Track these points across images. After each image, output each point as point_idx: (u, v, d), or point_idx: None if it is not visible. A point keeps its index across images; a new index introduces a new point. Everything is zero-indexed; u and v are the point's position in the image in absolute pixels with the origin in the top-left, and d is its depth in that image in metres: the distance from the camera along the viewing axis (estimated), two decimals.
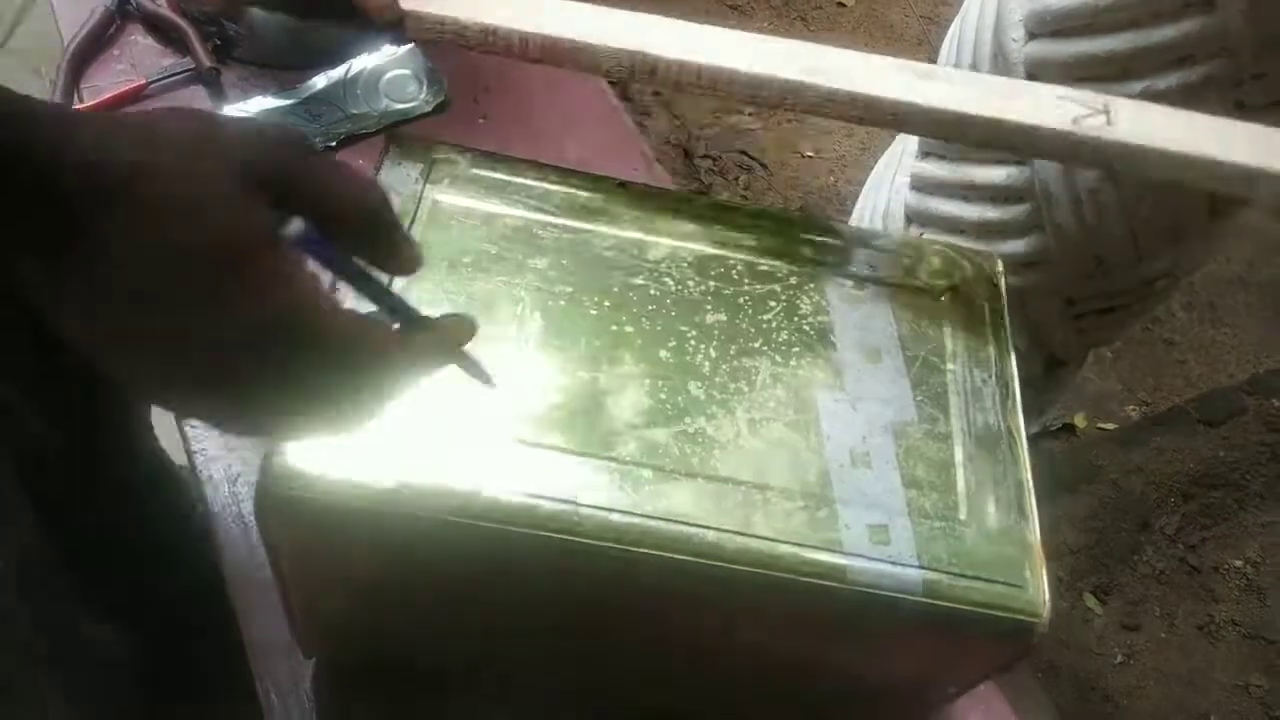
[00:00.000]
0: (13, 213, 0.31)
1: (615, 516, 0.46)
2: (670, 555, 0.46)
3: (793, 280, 0.57)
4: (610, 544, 0.46)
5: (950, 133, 0.54)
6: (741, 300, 0.56)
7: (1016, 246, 0.90)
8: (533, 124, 0.94)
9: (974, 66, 0.88)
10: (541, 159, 0.61)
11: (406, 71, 0.94)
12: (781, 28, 2.14)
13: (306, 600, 0.55)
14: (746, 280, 0.57)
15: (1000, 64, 0.84)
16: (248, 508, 0.68)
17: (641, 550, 0.46)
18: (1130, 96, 0.76)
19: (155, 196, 0.32)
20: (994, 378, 0.56)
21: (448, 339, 0.41)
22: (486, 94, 0.96)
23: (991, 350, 0.57)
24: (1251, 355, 1.87)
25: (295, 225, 0.34)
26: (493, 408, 0.49)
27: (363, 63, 0.94)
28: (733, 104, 2.00)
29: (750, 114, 1.99)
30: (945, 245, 0.62)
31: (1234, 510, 1.68)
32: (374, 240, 0.38)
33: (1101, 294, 0.94)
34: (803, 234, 0.60)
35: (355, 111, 0.91)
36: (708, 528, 0.47)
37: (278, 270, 0.34)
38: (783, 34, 2.07)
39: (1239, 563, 1.63)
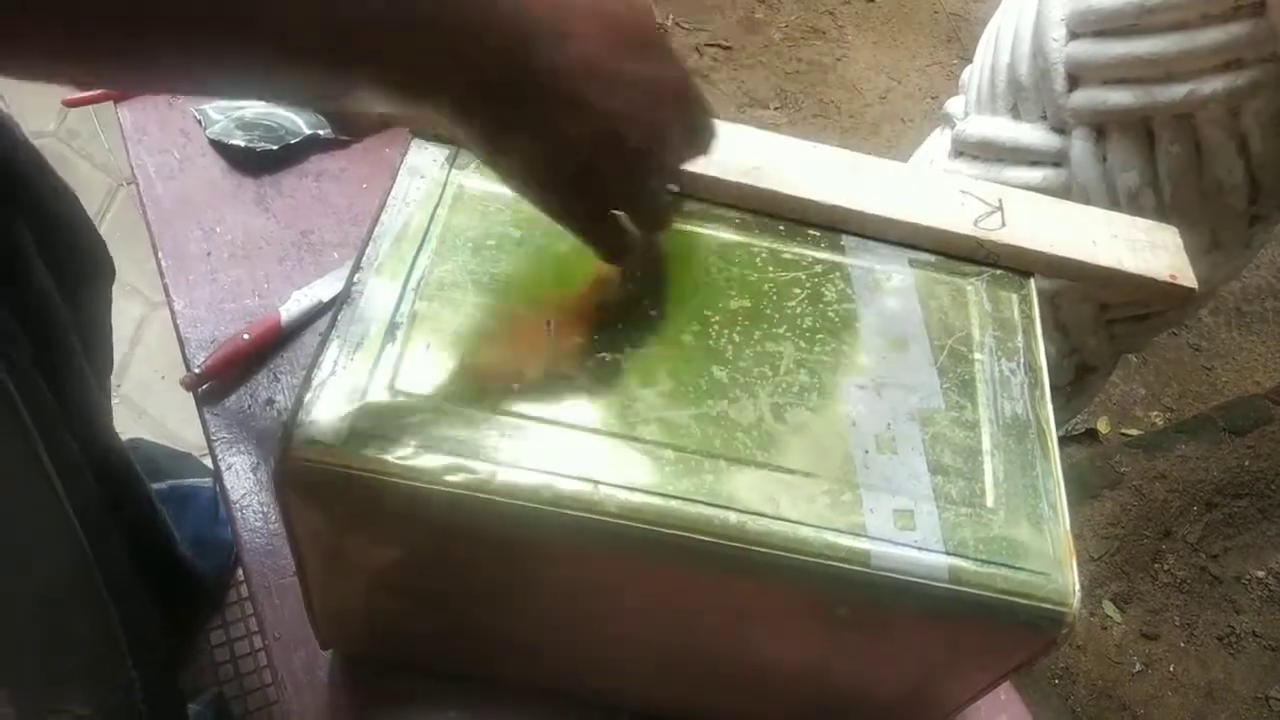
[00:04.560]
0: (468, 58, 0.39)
1: (636, 496, 0.46)
2: (691, 535, 0.46)
3: (817, 268, 0.57)
4: (630, 523, 0.45)
5: (877, 231, 0.59)
6: (765, 286, 0.56)
7: None
8: None
9: (1011, 66, 0.87)
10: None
11: None
12: (809, 21, 2.13)
13: (323, 584, 0.54)
14: (770, 267, 0.57)
15: (1039, 63, 0.82)
16: (268, 499, 0.68)
17: (662, 530, 0.45)
18: (1174, 100, 0.76)
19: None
20: (1023, 367, 0.55)
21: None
22: None
23: (1020, 340, 0.57)
24: (1278, 363, 1.85)
25: None
26: (515, 385, 0.49)
27: None
28: (759, 97, 1.98)
29: (776, 108, 1.97)
30: (974, 236, 0.61)
31: (1257, 520, 1.66)
32: None
33: (1136, 300, 0.92)
34: (826, 223, 0.59)
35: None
36: (730, 509, 0.46)
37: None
38: (809, 28, 2.03)
39: (1261, 573, 1.61)
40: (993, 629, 0.49)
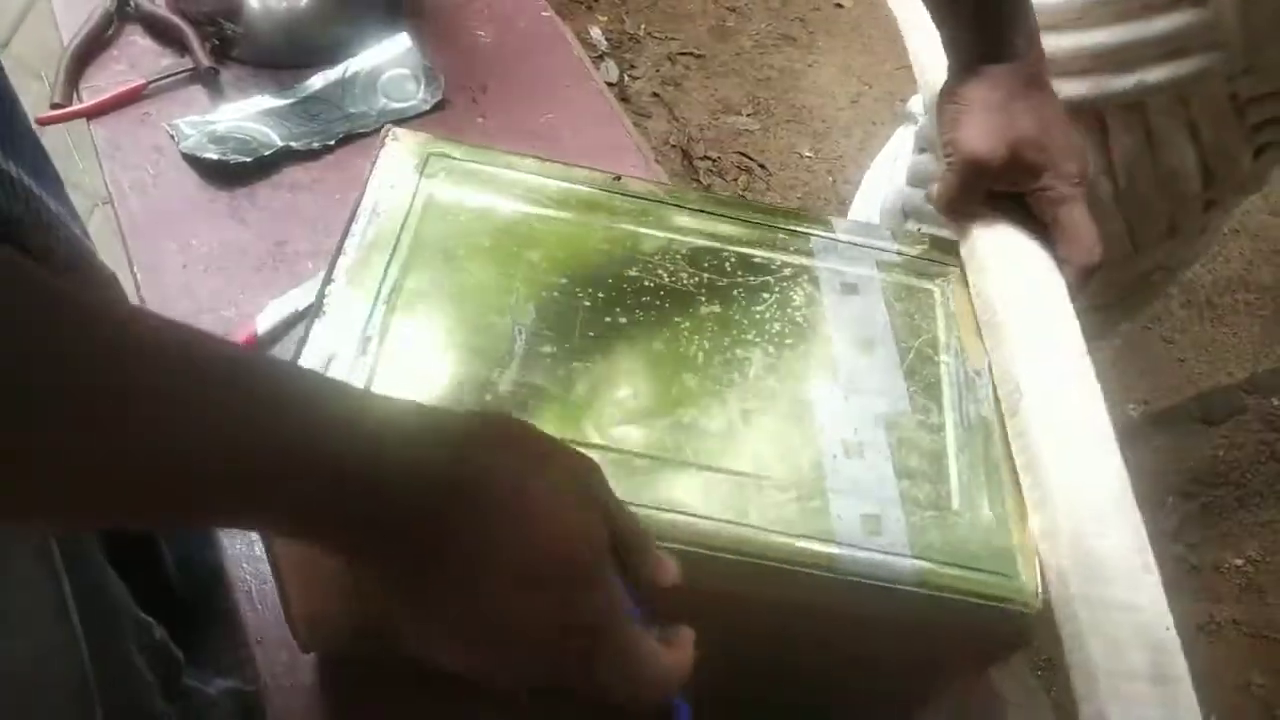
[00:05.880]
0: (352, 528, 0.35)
1: None
2: (664, 544, 0.46)
3: (786, 272, 0.58)
4: None
5: None
6: (735, 292, 0.56)
7: None
8: (531, 124, 0.95)
9: None
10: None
11: (404, 71, 0.94)
12: (779, 29, 2.15)
13: (301, 593, 0.55)
14: (740, 272, 0.57)
15: None
16: None
17: None
18: (1124, 90, 0.77)
19: (529, 504, 0.37)
20: (987, 369, 0.56)
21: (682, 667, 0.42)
22: (485, 94, 0.96)
23: (984, 342, 0.57)
24: (1250, 354, 1.87)
25: None
26: (487, 396, 0.49)
27: (360, 62, 0.94)
28: (732, 105, 2.00)
29: (749, 115, 1.99)
30: (939, 238, 0.62)
31: (1234, 509, 1.68)
32: (640, 565, 0.41)
33: (1098, 288, 0.94)
34: (796, 227, 0.60)
35: (353, 111, 0.91)
36: (701, 516, 0.47)
37: (610, 583, 0.39)
38: (780, 35, 2.04)
39: (1239, 561, 1.63)
40: (959, 630, 0.50)
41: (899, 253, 0.60)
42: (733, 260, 0.58)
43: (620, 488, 0.47)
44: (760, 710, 0.62)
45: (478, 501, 0.36)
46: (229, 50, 0.93)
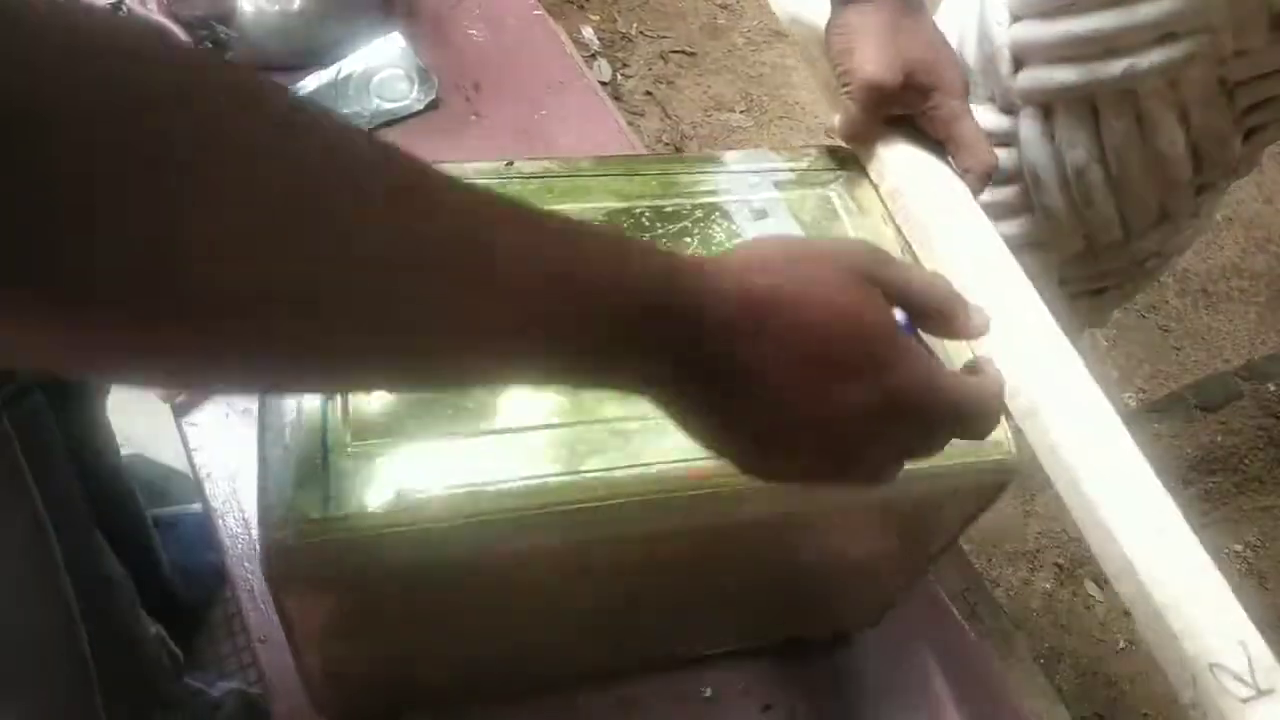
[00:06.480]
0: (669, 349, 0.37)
1: (618, 473, 0.47)
2: (675, 494, 0.48)
3: (698, 214, 0.59)
4: (621, 500, 0.47)
5: None
6: (661, 244, 0.57)
7: (1006, 229, 0.91)
8: (524, 123, 0.95)
9: (959, 50, 0.89)
10: (533, 157, 0.61)
11: (398, 71, 0.95)
12: (771, 25, 2.15)
13: (321, 653, 0.54)
14: (658, 224, 0.58)
15: (985, 48, 0.85)
16: (248, 505, 0.68)
17: (642, 497, 0.47)
18: (1115, 75, 0.78)
19: (816, 308, 0.39)
20: (902, 252, 0.60)
21: (999, 386, 0.45)
22: (478, 93, 0.96)
23: (890, 229, 0.61)
24: (1246, 341, 1.88)
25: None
26: (469, 404, 0.49)
27: (353, 63, 0.94)
28: (724, 102, 2.01)
29: (742, 112, 2.00)
30: (825, 147, 0.65)
31: (1233, 495, 1.68)
32: (949, 320, 0.44)
33: (1092, 275, 0.94)
34: (691, 170, 0.62)
35: (347, 112, 0.92)
36: (698, 457, 0.48)
37: (911, 348, 0.41)
38: (772, 32, 2.03)
39: (1239, 547, 1.63)
40: (951, 491, 0.54)
41: (791, 169, 0.63)
42: (647, 215, 0.58)
43: (620, 456, 0.48)
44: (758, 618, 0.64)
45: (767, 319, 0.38)
46: (222, 53, 0.93)
